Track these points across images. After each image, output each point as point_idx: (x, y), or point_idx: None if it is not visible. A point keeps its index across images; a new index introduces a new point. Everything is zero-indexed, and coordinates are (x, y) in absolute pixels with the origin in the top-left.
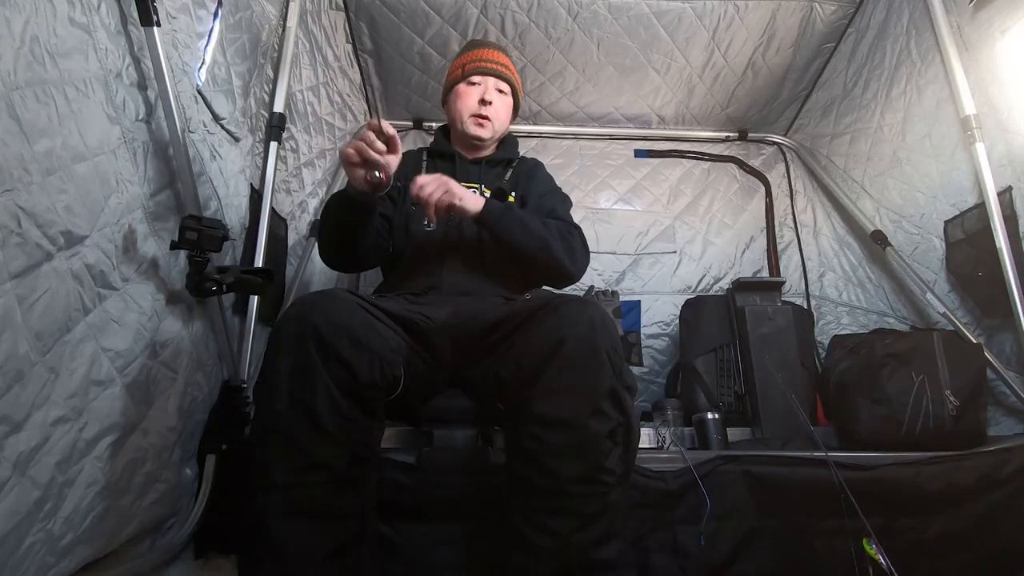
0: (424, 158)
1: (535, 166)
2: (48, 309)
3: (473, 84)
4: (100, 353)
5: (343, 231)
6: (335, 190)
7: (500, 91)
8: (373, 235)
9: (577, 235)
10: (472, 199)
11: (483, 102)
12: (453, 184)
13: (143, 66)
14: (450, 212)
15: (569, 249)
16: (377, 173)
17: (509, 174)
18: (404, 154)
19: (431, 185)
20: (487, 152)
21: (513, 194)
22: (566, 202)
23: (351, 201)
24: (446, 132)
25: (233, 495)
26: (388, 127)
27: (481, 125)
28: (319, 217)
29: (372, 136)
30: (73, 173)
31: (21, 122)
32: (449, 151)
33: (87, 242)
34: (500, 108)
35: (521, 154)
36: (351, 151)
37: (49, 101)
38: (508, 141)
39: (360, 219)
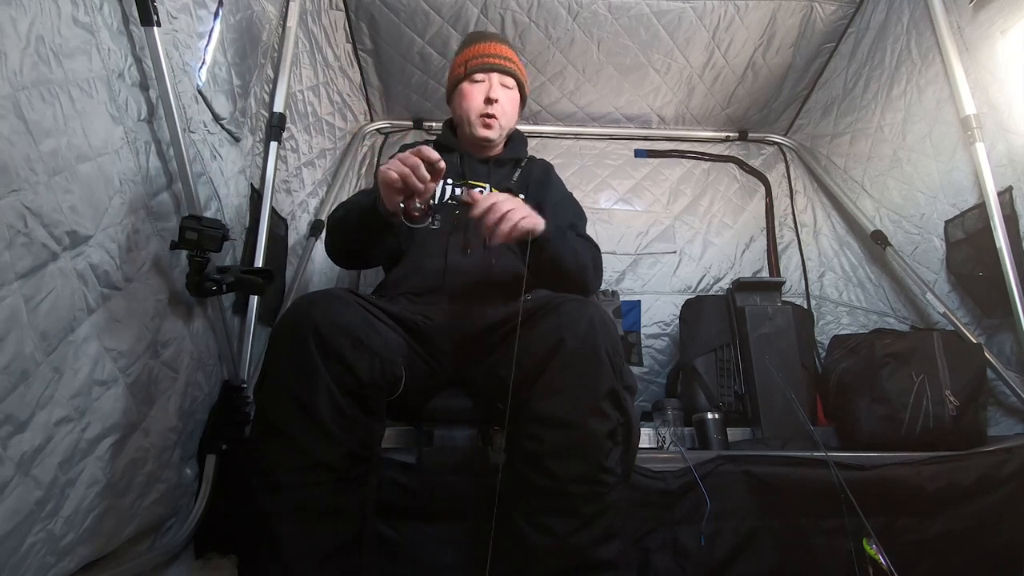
0: None
1: (547, 169)
2: (53, 309)
3: (477, 82)
4: (103, 353)
5: (360, 241)
6: (335, 190)
7: (505, 86)
8: (384, 244)
9: (600, 258)
10: (542, 222)
11: (488, 101)
12: (533, 216)
13: (145, 66)
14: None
15: (597, 275)
16: (418, 204)
17: (517, 174)
18: (410, 147)
19: (520, 211)
20: (495, 151)
21: (522, 196)
22: (582, 216)
23: (378, 218)
24: (452, 126)
25: (233, 495)
26: (441, 162)
27: (489, 126)
28: (327, 216)
29: (420, 164)
30: (78, 173)
31: (27, 122)
32: (458, 150)
33: (91, 242)
34: (507, 105)
35: (528, 154)
36: (395, 176)
37: (54, 101)
38: (516, 139)
39: (381, 236)
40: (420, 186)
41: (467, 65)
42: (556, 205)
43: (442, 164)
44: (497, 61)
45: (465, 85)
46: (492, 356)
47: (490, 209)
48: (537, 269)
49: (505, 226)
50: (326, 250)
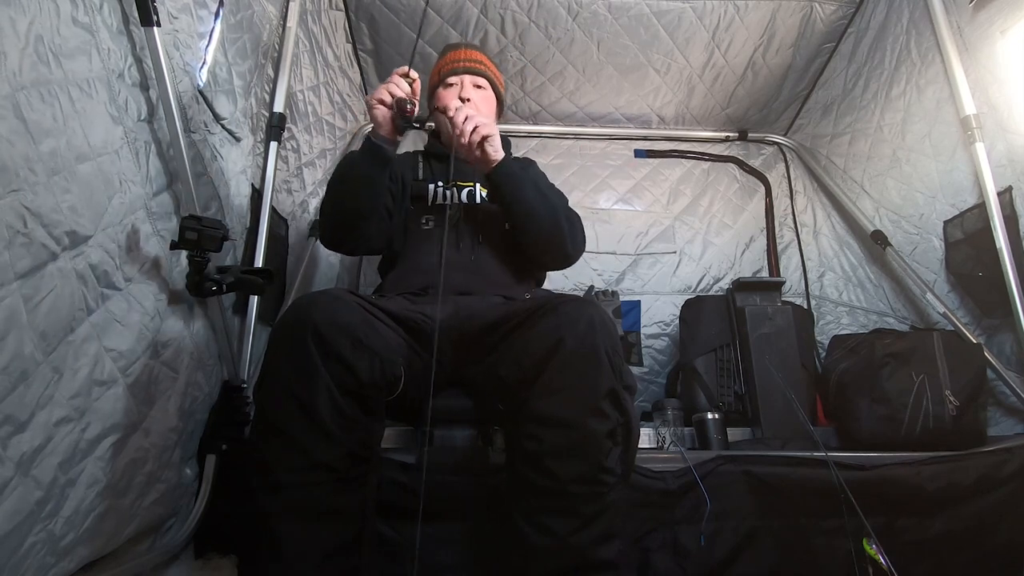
0: (420, 160)
1: (529, 165)
2: (53, 309)
3: (450, 86)
4: (103, 353)
5: (357, 184)
6: None
7: (477, 86)
8: (381, 207)
9: (577, 219)
10: (499, 148)
11: (460, 100)
12: (493, 126)
13: (145, 66)
14: (481, 147)
15: (571, 227)
16: (407, 104)
17: None
18: (401, 155)
19: (475, 118)
20: None
21: None
22: (563, 196)
23: (372, 149)
24: (437, 133)
25: (233, 495)
26: (413, 72)
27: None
28: (324, 192)
29: (399, 78)
30: (77, 173)
31: (27, 122)
32: (443, 152)
33: (91, 242)
34: (480, 103)
35: (516, 155)
36: (382, 92)
37: (53, 101)
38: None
39: (377, 171)
40: (401, 92)
41: (440, 73)
42: None
43: (415, 74)
44: (468, 64)
45: (440, 91)
46: (491, 356)
47: (456, 117)
48: (506, 211)
49: (468, 125)
50: (320, 236)
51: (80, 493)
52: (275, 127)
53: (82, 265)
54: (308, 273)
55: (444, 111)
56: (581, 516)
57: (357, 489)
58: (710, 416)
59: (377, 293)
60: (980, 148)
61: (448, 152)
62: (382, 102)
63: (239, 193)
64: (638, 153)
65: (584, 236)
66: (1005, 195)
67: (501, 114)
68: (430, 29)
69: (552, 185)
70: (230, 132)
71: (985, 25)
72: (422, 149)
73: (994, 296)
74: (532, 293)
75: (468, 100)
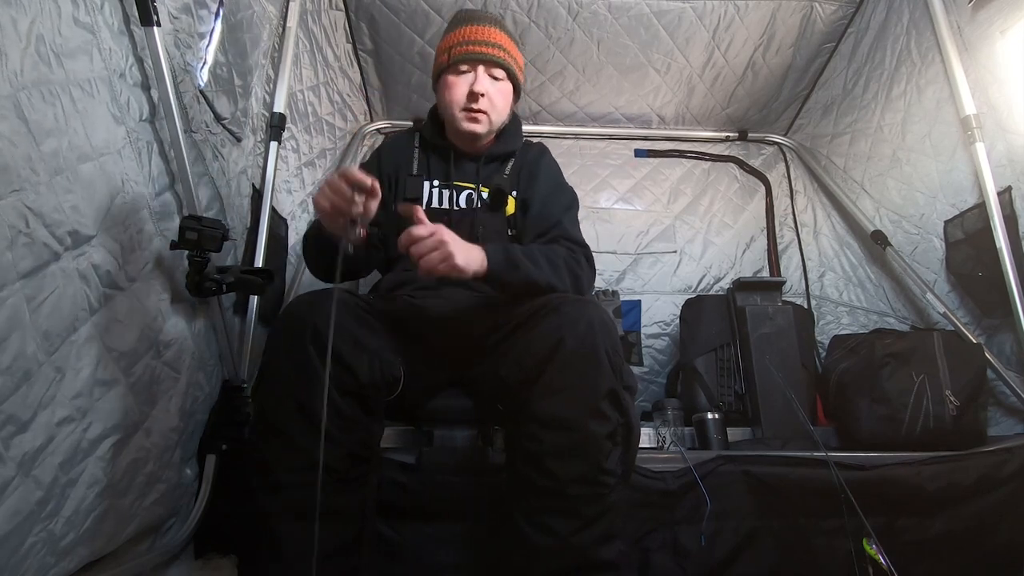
0: (416, 144)
1: (538, 157)
2: (55, 309)
3: (461, 72)
4: (105, 353)
5: (326, 260)
6: None
7: (494, 77)
8: (359, 256)
9: (584, 263)
10: (475, 262)
11: (473, 95)
12: (455, 249)
13: (146, 66)
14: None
15: (576, 283)
16: (355, 231)
17: (510, 166)
18: (395, 138)
19: (427, 245)
20: (486, 144)
21: (514, 193)
22: (572, 207)
23: (329, 240)
24: (438, 121)
25: (233, 495)
26: (362, 178)
27: (475, 120)
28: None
29: (346, 190)
30: (79, 173)
31: (28, 122)
32: (443, 145)
33: (93, 242)
34: (496, 98)
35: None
36: (325, 205)
37: (55, 101)
38: (510, 130)
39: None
40: (350, 210)
41: (451, 53)
42: (544, 202)
43: (368, 182)
44: (484, 50)
45: (449, 76)
46: (492, 356)
47: (417, 248)
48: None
49: (421, 271)
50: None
51: (81, 493)
52: (275, 127)
53: (84, 265)
54: (308, 273)
55: (407, 240)
56: (582, 516)
57: (357, 489)
58: (710, 416)
59: (374, 292)
60: (980, 148)
61: (448, 145)
62: (327, 214)
63: (240, 193)
64: (638, 153)
65: (593, 273)
66: (1005, 195)
67: (518, 99)
68: (430, 29)
69: (561, 192)
70: (231, 132)
71: (985, 25)
72: (419, 134)
73: (994, 296)
74: None
75: (482, 95)
